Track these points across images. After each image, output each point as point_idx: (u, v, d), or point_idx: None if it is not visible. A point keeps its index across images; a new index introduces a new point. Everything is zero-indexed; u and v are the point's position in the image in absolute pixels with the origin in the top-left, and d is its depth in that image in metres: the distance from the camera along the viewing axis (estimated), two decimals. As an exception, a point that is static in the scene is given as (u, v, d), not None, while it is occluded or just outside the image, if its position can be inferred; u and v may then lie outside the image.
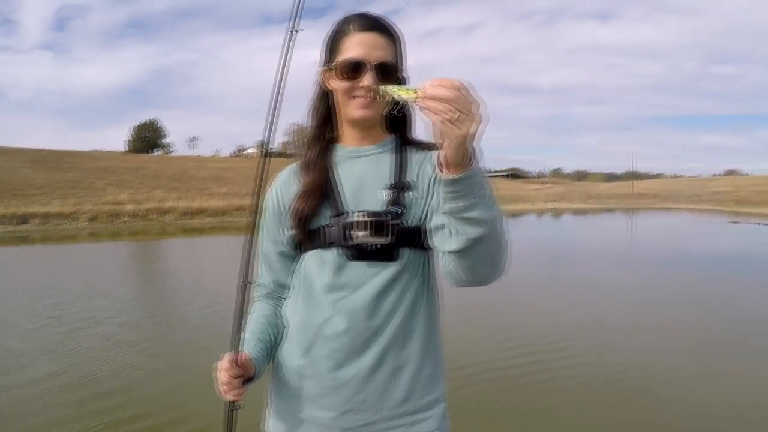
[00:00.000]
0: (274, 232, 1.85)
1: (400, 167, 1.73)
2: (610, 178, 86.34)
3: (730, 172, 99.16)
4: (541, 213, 42.24)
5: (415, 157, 1.76)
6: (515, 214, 39.42)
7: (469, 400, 6.11)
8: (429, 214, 1.66)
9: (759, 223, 32.40)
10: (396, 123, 1.80)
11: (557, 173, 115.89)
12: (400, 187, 1.69)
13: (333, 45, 1.71)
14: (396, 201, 1.67)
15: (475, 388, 6.52)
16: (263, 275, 1.90)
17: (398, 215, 1.66)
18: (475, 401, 6.11)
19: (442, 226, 1.53)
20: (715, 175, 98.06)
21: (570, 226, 36.39)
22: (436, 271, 1.76)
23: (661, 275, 15.95)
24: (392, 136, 1.81)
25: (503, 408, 6.10)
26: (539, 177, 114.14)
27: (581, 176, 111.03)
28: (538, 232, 30.70)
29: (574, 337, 8.90)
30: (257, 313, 1.86)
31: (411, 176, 1.71)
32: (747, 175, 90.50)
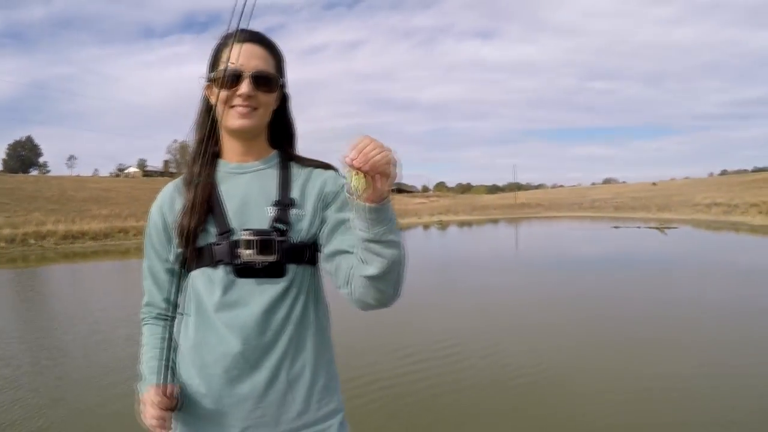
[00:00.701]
0: (161, 249, 1.80)
1: (285, 184, 1.74)
2: (493, 189, 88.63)
3: (608, 181, 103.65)
4: (427, 226, 42.78)
5: (299, 173, 1.78)
6: (403, 228, 39.49)
7: (366, 408, 6.11)
8: (323, 238, 1.71)
9: (639, 227, 34.06)
10: (279, 138, 1.83)
11: (441, 187, 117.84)
12: (285, 204, 1.70)
13: (215, 58, 1.72)
14: (281, 218, 1.68)
15: (373, 396, 6.52)
16: (153, 295, 1.84)
17: (284, 232, 1.67)
18: (372, 409, 6.12)
19: (343, 252, 1.63)
20: (594, 183, 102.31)
21: (456, 237, 36.94)
22: (323, 285, 1.80)
23: (549, 278, 16.42)
24: (276, 152, 1.82)
25: (401, 414, 6.10)
26: (424, 191, 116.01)
27: (465, 189, 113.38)
28: (425, 244, 31.00)
29: (465, 341, 9.05)
30: (155, 337, 1.82)
31: (295, 193, 1.73)
32: (624, 182, 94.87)
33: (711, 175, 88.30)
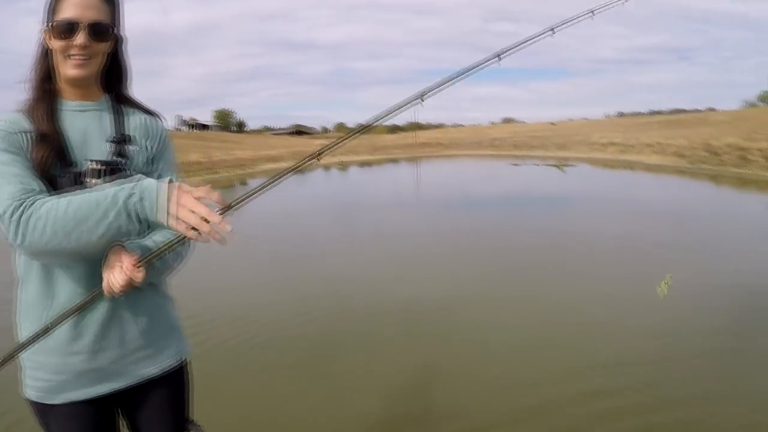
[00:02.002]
0: (23, 159, 1.71)
1: (119, 122, 1.89)
2: (394, 129, 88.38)
3: (508, 120, 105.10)
4: (328, 168, 42.26)
5: (130, 114, 1.94)
6: (303, 171, 38.86)
7: (261, 347, 6.26)
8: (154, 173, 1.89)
9: (537, 164, 34.63)
10: (113, 80, 1.94)
11: (342, 128, 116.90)
12: (121, 140, 1.86)
13: (52, 6, 1.75)
14: (121, 152, 1.84)
15: (268, 343, 6.43)
16: (33, 183, 1.67)
17: (123, 165, 1.81)
18: (268, 348, 6.23)
19: None
20: (493, 123, 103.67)
21: (356, 178, 36.81)
22: None
23: (449, 216, 16.47)
24: (108, 95, 1.93)
25: (301, 348, 6.22)
26: (324, 132, 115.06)
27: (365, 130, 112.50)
28: (325, 187, 30.68)
29: (365, 286, 8.86)
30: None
31: (129, 131, 1.90)
32: (523, 122, 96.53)
33: (607, 116, 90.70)
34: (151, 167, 1.91)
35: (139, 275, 1.63)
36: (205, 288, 8.43)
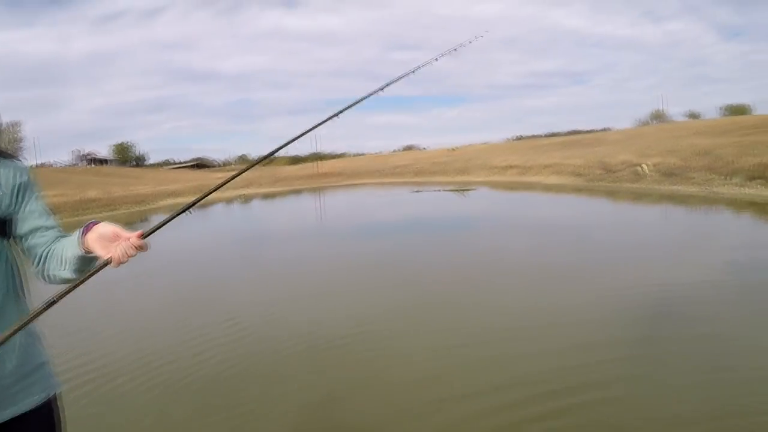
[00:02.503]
0: None
1: None
2: (296, 160, 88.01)
3: (409, 148, 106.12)
4: (230, 201, 41.68)
5: None
6: (202, 205, 38.22)
7: (156, 386, 6.15)
8: (20, 221, 2.04)
9: (438, 190, 35.20)
10: None
11: (243, 159, 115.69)
12: None
13: None
14: None
15: (153, 375, 6.48)
16: None
17: None
18: (156, 387, 6.12)
19: (36, 239, 2.05)
20: (395, 151, 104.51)
21: (259, 210, 36.45)
22: (19, 254, 2.11)
23: (353, 245, 16.50)
24: None
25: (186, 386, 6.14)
26: (225, 165, 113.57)
27: (267, 161, 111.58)
28: (223, 222, 30.28)
29: (244, 313, 9.02)
30: None
31: None
32: (424, 149, 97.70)
33: (507, 140, 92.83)
34: (14, 209, 2.03)
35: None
36: (98, 330, 8.42)
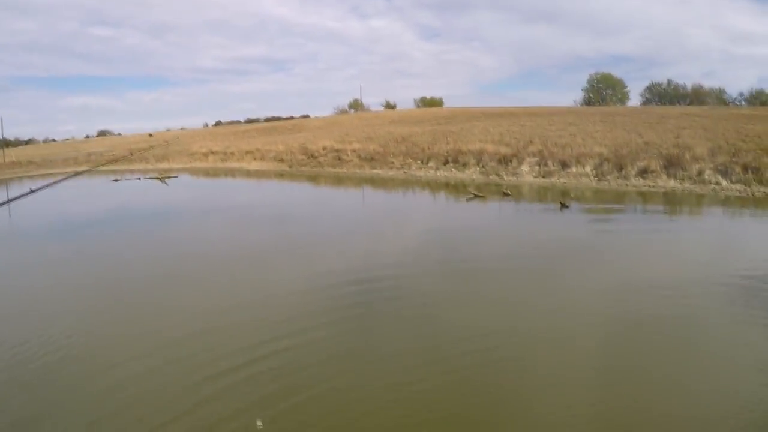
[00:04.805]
0: None
1: None
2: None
3: (103, 133, 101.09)
4: None
5: None
6: None
7: None
8: None
9: (140, 178, 34.23)
10: None
11: None
12: None
13: None
14: None
15: None
16: None
17: None
18: None
19: None
20: (89, 136, 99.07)
21: None
22: None
23: (48, 247, 15.83)
24: None
25: None
26: None
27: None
28: None
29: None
30: None
31: None
32: (120, 134, 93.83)
33: (206, 126, 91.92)
34: None
35: None
36: None
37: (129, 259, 12.46)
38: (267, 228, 14.75)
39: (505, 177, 23.53)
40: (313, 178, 28.46)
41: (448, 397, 6.29)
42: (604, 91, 75.97)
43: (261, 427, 5.61)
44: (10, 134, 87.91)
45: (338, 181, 26.67)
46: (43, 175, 47.63)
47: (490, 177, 23.46)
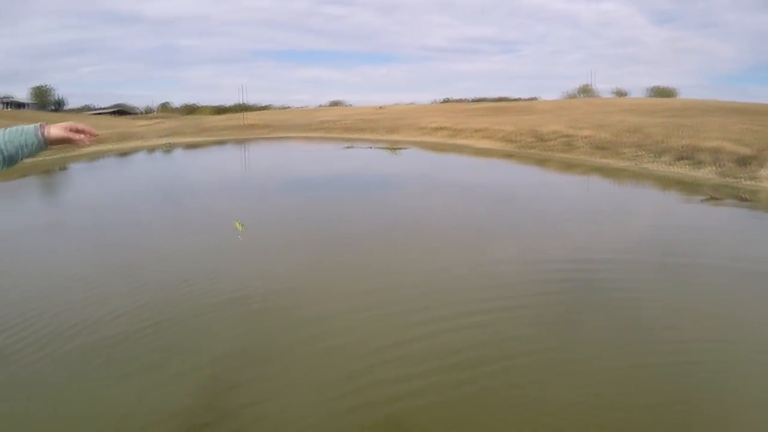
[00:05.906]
0: None
1: None
2: (220, 110, 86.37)
3: (336, 103, 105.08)
4: (152, 149, 40.55)
5: None
6: (126, 153, 37.08)
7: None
8: None
9: (371, 147, 34.95)
10: None
11: (166, 108, 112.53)
12: None
13: None
14: None
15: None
16: None
17: None
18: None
19: None
20: (321, 105, 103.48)
21: (181, 159, 35.62)
22: None
23: (278, 198, 16.34)
24: None
25: None
26: (147, 112, 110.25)
27: (190, 110, 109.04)
28: (148, 169, 29.53)
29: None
30: None
31: None
32: (350, 105, 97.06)
33: (434, 102, 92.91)
34: None
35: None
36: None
37: (349, 220, 13.10)
38: (494, 205, 14.43)
39: (743, 180, 21.25)
40: (542, 162, 27.53)
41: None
42: None
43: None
44: (249, 100, 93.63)
45: (567, 167, 25.56)
46: (277, 138, 50.13)
47: (726, 179, 21.28)
